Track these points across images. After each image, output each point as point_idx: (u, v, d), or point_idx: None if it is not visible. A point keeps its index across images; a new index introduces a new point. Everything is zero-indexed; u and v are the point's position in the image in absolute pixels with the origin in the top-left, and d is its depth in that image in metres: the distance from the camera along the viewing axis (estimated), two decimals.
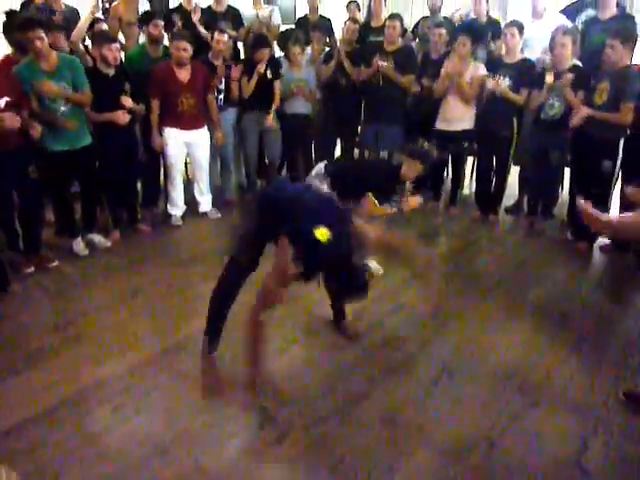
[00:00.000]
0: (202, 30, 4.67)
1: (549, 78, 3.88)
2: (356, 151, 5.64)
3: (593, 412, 2.37)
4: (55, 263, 3.63)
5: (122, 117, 3.77)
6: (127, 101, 3.80)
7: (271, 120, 4.65)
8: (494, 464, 2.10)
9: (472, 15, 4.97)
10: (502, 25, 4.70)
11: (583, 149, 3.87)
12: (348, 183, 3.21)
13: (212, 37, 4.42)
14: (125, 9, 4.56)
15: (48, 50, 3.38)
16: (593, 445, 2.18)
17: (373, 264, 3.14)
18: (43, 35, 3.30)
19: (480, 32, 4.60)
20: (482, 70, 4.32)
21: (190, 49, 3.99)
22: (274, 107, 4.67)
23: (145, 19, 4.24)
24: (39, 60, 3.36)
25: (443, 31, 4.52)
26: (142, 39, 4.50)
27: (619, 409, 2.38)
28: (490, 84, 4.16)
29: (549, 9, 4.66)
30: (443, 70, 4.35)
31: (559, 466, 2.09)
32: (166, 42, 4.42)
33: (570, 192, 4.22)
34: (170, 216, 4.40)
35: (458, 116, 4.42)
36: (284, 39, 5.13)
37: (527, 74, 4.11)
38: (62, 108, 3.47)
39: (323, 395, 2.46)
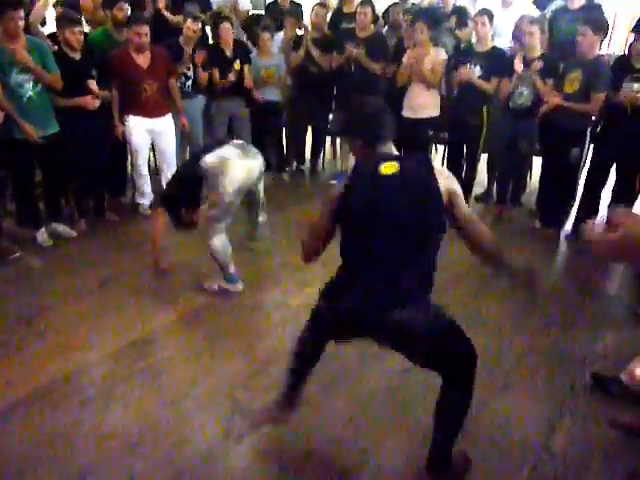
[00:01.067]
0: (169, 15, 4.55)
1: (518, 67, 3.92)
2: (328, 139, 5.63)
3: (560, 396, 2.43)
4: (17, 254, 3.51)
5: (91, 102, 3.66)
6: (92, 84, 3.67)
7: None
8: (464, 447, 2.13)
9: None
10: (469, 13, 4.72)
11: (552, 137, 3.92)
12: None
13: (183, 21, 4.31)
14: None
15: (21, 32, 3.27)
16: (560, 428, 2.24)
17: None
18: (22, 15, 3.21)
19: (438, 17, 4.59)
20: (442, 55, 4.33)
21: (149, 33, 3.88)
22: (249, 88, 4.64)
23: (109, 3, 4.09)
24: (8, 42, 3.23)
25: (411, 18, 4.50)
26: None
27: (585, 393, 2.44)
28: (462, 72, 4.16)
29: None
30: (404, 59, 4.35)
31: (527, 449, 2.13)
32: None
33: (540, 181, 4.29)
34: (138, 205, 4.30)
35: (423, 103, 4.43)
36: (251, 24, 5.06)
37: (498, 63, 4.13)
38: (29, 93, 3.34)
39: None
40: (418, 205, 1.63)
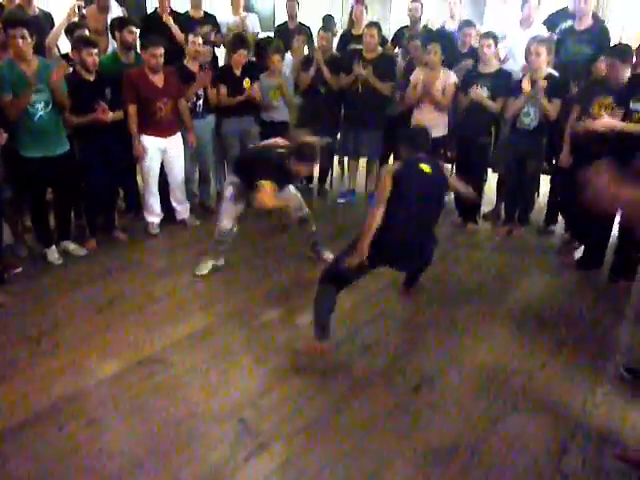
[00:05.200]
0: (177, 32, 4.62)
1: (526, 86, 3.93)
2: (336, 157, 5.66)
3: (572, 416, 2.39)
4: (19, 270, 3.56)
5: (104, 114, 3.69)
6: (106, 114, 3.72)
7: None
8: (475, 469, 2.10)
9: (446, 26, 5.08)
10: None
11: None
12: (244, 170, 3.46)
13: (184, 39, 4.39)
14: (94, 19, 4.53)
15: (30, 52, 3.33)
16: (572, 449, 2.20)
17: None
18: (27, 35, 3.26)
19: (451, 40, 4.64)
20: (453, 78, 4.37)
21: (163, 55, 3.96)
22: (259, 106, 4.67)
23: (119, 25, 4.17)
24: (20, 61, 3.30)
25: (418, 43, 4.64)
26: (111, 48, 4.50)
27: (597, 413, 2.40)
28: (473, 91, 4.18)
29: (536, 19, 4.69)
30: (412, 78, 4.38)
31: (539, 470, 2.10)
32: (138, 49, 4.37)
33: (548, 200, 4.26)
34: (147, 224, 4.33)
35: (431, 123, 4.44)
36: (260, 47, 5.13)
37: (504, 84, 4.15)
38: (40, 112, 3.40)
39: (302, 405, 2.43)
40: (436, 190, 2.90)
